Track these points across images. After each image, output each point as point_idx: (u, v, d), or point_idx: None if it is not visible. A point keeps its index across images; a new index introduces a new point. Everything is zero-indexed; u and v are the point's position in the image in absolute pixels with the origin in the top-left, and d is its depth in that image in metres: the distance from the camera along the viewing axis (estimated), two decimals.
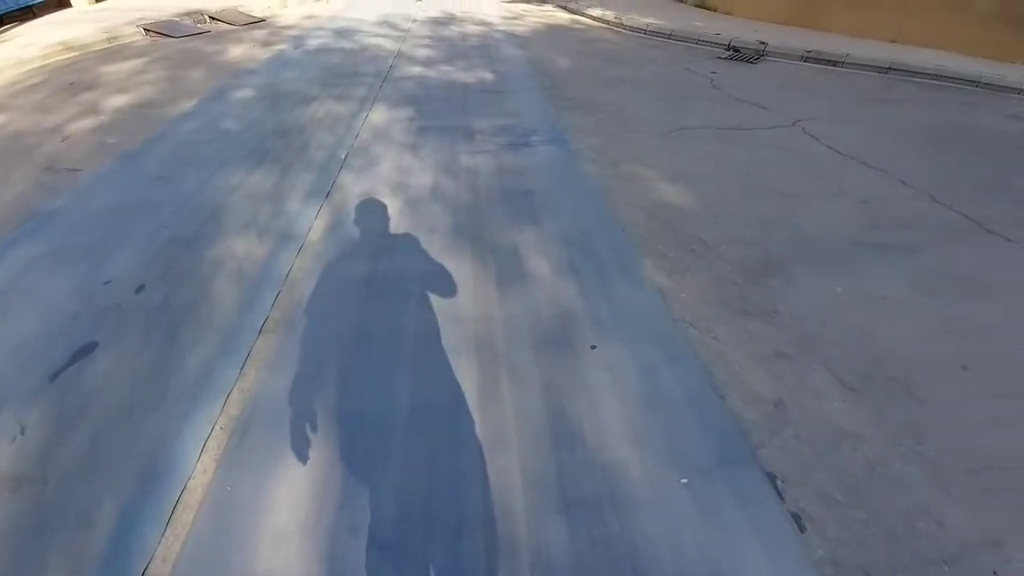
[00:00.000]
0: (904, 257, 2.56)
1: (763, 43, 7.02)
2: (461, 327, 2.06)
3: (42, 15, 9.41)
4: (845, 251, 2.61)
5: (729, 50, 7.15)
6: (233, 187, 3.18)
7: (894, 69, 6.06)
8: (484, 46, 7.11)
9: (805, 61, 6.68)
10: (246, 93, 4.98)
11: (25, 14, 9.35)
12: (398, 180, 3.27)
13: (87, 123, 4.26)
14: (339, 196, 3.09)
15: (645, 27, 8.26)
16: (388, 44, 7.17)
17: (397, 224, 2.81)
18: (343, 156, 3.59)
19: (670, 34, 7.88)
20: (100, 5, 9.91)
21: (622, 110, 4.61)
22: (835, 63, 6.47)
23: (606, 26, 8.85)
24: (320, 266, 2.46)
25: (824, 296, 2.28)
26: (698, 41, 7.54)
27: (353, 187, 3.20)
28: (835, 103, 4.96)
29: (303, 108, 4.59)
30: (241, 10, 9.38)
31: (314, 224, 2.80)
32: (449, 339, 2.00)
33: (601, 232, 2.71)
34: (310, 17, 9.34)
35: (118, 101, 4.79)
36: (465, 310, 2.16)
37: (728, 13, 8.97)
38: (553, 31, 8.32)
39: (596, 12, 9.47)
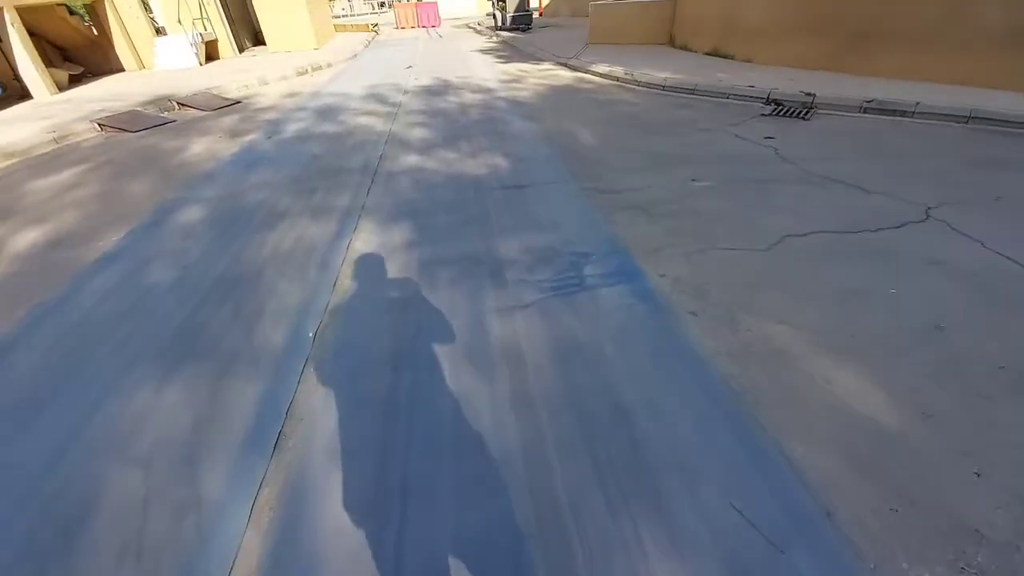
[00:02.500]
0: None
1: (809, 94, 6.06)
2: None
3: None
4: None
5: (770, 104, 6.20)
6: (127, 432, 1.93)
7: (976, 118, 5.03)
8: (489, 119, 6.13)
9: (865, 112, 5.69)
10: (194, 214, 3.86)
11: None
12: (392, 395, 2.01)
13: None
14: (297, 448, 1.79)
15: (663, 83, 7.39)
16: (378, 124, 6.19)
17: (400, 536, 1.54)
18: (311, 335, 2.37)
19: (693, 89, 6.98)
20: (62, 96, 9.12)
21: (688, 205, 3.47)
22: (903, 113, 5.47)
23: (617, 83, 8.00)
24: None
25: None
26: (729, 96, 6.61)
27: (322, 420, 1.89)
28: (944, 172, 3.85)
29: (264, 235, 3.43)
30: (215, 93, 8.56)
31: (242, 544, 1.50)
32: None
33: (798, 533, 1.44)
34: (291, 95, 8.50)
35: (26, 239, 3.64)
36: None
37: (748, 60, 8.16)
38: (561, 94, 7.43)
39: (602, 68, 8.68)
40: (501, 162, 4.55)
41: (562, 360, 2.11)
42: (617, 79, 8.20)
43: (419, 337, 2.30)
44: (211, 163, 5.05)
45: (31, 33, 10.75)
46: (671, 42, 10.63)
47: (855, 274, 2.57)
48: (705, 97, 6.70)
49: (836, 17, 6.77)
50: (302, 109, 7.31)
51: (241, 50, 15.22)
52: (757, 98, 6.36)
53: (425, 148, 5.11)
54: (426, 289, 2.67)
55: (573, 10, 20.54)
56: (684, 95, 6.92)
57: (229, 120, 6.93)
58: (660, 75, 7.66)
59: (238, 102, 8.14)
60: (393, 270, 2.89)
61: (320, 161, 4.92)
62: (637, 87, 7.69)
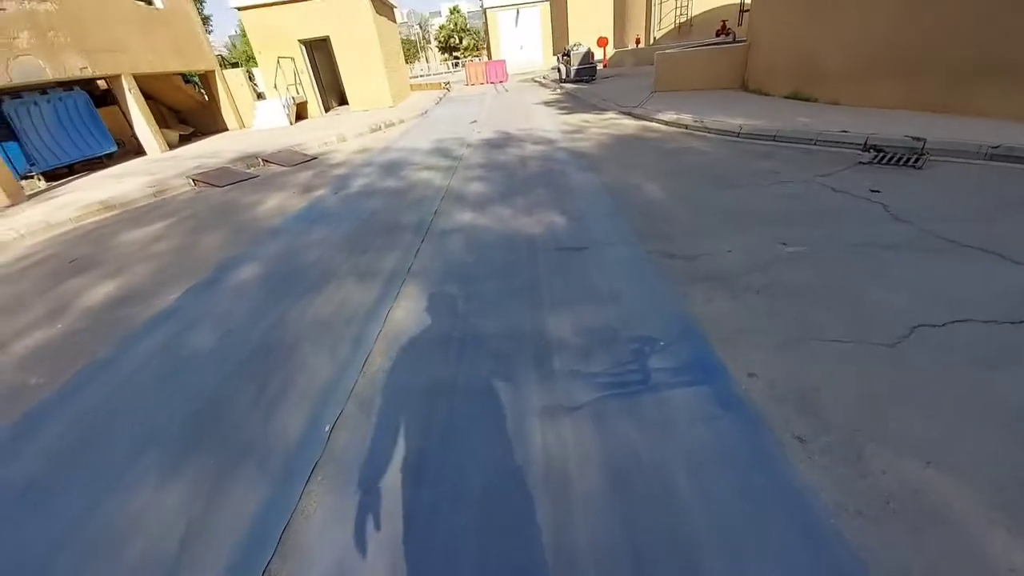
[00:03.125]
0: None
1: (917, 138, 5.26)
2: None
3: (115, 164, 9.84)
4: None
5: (869, 151, 5.45)
6: (120, 535, 1.72)
7: None
8: (548, 172, 5.94)
9: (991, 160, 4.79)
10: (250, 272, 3.89)
11: (95, 163, 9.81)
12: (404, 524, 1.66)
13: (34, 338, 3.23)
14: None
15: (738, 129, 6.86)
16: (437, 179, 6.22)
17: None
18: (327, 429, 2.09)
19: (774, 136, 6.38)
20: (170, 153, 10.31)
21: (779, 277, 2.91)
22: None
23: (686, 132, 7.58)
24: None
25: None
26: (817, 142, 5.94)
27: (317, 555, 1.56)
28: None
29: (310, 298, 3.33)
30: (297, 149, 9.25)
31: None
32: None
33: None
34: (363, 151, 8.98)
35: (100, 292, 3.84)
36: None
37: (834, 103, 7.43)
38: (624, 144, 7.14)
39: (669, 116, 8.33)
40: (558, 219, 4.25)
41: (618, 489, 1.64)
42: (686, 127, 7.79)
43: (445, 443, 1.94)
44: (279, 219, 5.24)
45: (150, 97, 12.52)
46: (744, 86, 10.12)
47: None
48: (789, 145, 6.08)
49: (936, 53, 5.97)
50: (370, 164, 7.62)
51: (327, 109, 16.76)
52: (852, 144, 5.65)
53: (480, 204, 4.96)
54: (462, 376, 2.33)
55: (637, 60, 20.68)
56: (763, 143, 6.34)
57: (304, 176, 7.35)
58: (734, 121, 7.15)
59: (315, 158, 8.71)
60: (428, 349, 2.60)
61: (377, 217, 4.91)
62: (708, 135, 7.22)
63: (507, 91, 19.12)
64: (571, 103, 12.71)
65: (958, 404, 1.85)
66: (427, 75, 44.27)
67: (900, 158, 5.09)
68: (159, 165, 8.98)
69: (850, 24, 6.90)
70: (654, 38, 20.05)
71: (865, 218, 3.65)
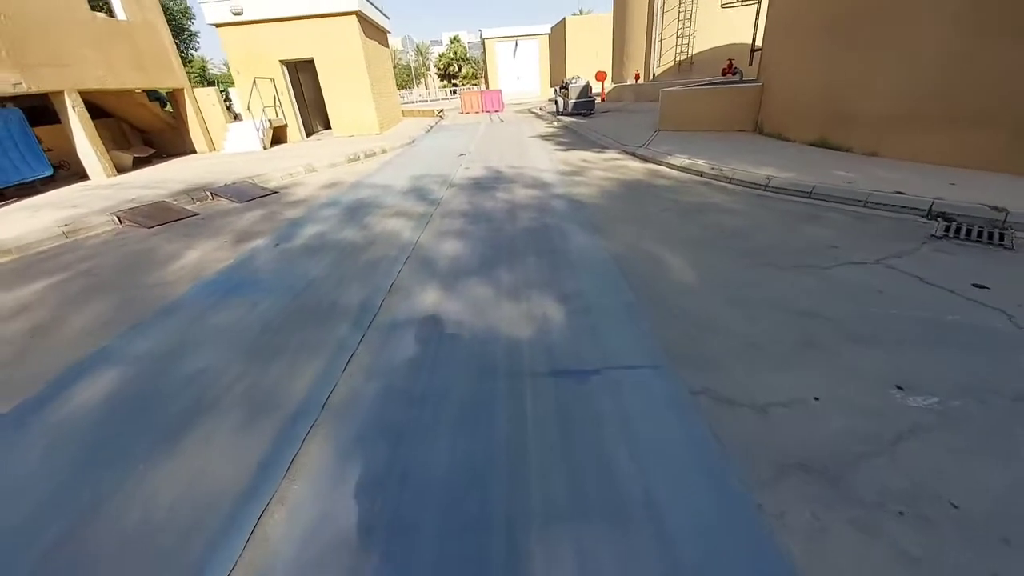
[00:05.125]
0: None
1: (997, 208, 4.25)
2: None
3: (50, 189, 8.61)
4: None
5: (936, 219, 4.42)
6: None
7: None
8: (542, 228, 4.82)
9: None
10: (99, 388, 2.63)
11: (27, 188, 8.56)
12: None
13: None
14: None
15: (765, 182, 5.85)
16: (406, 230, 5.06)
17: None
18: None
19: (811, 192, 5.36)
20: (115, 179, 9.12)
21: (923, 473, 1.74)
22: None
23: (702, 180, 6.57)
24: None
25: None
26: (867, 203, 4.91)
27: None
28: None
29: (155, 461, 2.08)
30: (256, 181, 8.10)
31: None
32: None
33: None
34: (331, 185, 7.85)
35: None
36: None
37: (872, 154, 6.49)
38: (632, 193, 6.08)
39: (681, 160, 7.34)
40: (554, 313, 3.08)
41: None
42: (701, 174, 6.78)
43: None
44: (188, 284, 4.01)
45: (110, 115, 11.40)
46: (758, 129, 9.26)
47: None
48: (833, 205, 5.04)
49: (1001, 103, 5.04)
50: (333, 204, 6.46)
51: (309, 134, 15.76)
52: (913, 209, 4.62)
53: (452, 276, 3.78)
54: None
55: (637, 95, 20.17)
56: (798, 200, 5.30)
57: (251, 217, 6.17)
58: (759, 171, 6.15)
59: (274, 192, 7.55)
60: None
61: (315, 290, 3.70)
62: (729, 185, 6.20)
63: (502, 121, 18.36)
64: (569, 138, 11.82)
65: None
66: (426, 101, 44.03)
67: (980, 232, 4.06)
68: (93, 195, 7.75)
69: (892, 66, 6.01)
70: (654, 74, 19.58)
71: (993, 339, 2.52)
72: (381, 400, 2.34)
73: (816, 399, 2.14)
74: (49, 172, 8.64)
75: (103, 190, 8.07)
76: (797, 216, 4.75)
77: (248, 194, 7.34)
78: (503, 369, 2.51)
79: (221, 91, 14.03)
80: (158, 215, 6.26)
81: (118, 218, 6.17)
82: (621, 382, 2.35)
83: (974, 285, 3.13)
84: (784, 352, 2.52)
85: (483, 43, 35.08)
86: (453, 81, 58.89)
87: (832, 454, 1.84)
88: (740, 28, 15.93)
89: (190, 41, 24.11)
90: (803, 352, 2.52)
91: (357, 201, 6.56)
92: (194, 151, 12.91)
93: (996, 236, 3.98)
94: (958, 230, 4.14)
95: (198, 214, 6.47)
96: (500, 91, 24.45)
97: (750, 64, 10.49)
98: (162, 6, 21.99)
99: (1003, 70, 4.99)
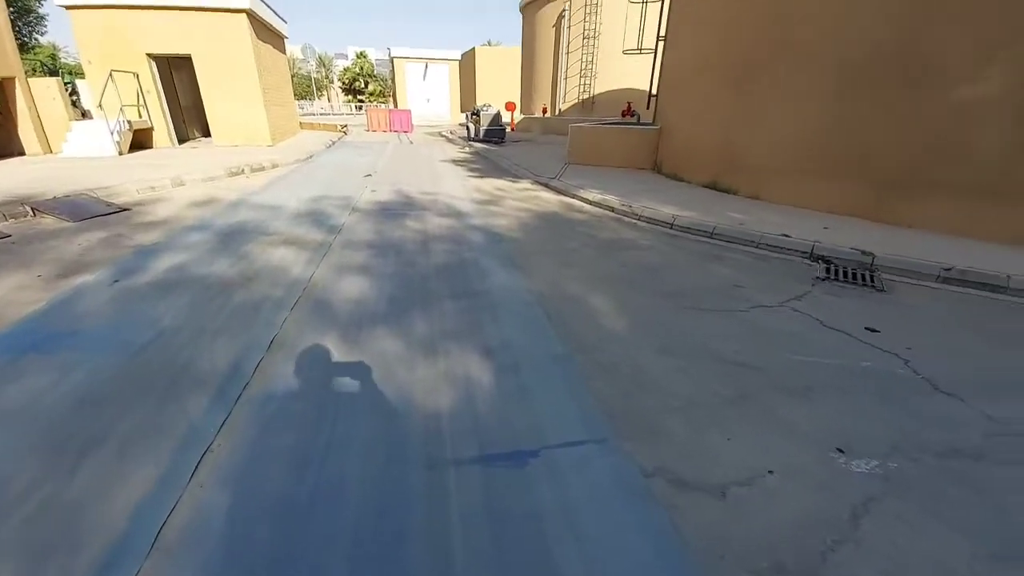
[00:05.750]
0: None
1: (866, 252, 4.79)
2: None
3: None
4: None
5: (816, 261, 4.86)
6: None
7: None
8: (459, 264, 4.39)
9: (946, 283, 4.40)
10: None
11: None
12: None
13: None
14: None
15: (671, 220, 6.09)
16: (297, 265, 4.29)
17: None
18: None
19: (711, 232, 5.67)
20: None
21: (894, 560, 1.60)
22: (995, 288, 4.21)
23: (614, 216, 6.70)
24: None
25: None
26: (758, 244, 5.29)
27: None
28: None
29: None
30: (101, 195, 6.57)
31: None
32: None
33: None
34: (203, 204, 6.64)
35: None
36: None
37: (755, 197, 7.17)
38: (550, 226, 5.96)
39: (593, 195, 7.48)
40: (478, 372, 2.64)
41: None
42: (612, 209, 6.93)
43: None
44: None
45: None
46: (656, 169, 9.92)
47: None
48: (731, 245, 5.35)
49: (866, 160, 5.85)
50: (203, 228, 5.38)
51: (183, 140, 13.69)
52: (796, 251, 5.05)
53: (352, 325, 3.16)
54: None
55: (544, 128, 20.96)
56: (702, 239, 5.56)
57: (86, 240, 4.86)
58: (664, 210, 6.42)
59: (125, 209, 6.15)
60: None
61: (161, 348, 2.83)
62: (639, 222, 6.37)
63: (411, 143, 17.78)
64: (482, 165, 11.66)
65: None
66: (328, 114, 41.59)
67: (855, 274, 4.51)
68: None
69: (779, 120, 6.72)
70: (559, 109, 20.55)
71: (901, 387, 2.64)
72: (246, 521, 1.69)
73: (771, 472, 1.97)
74: None
75: None
76: (703, 255, 4.93)
77: (86, 211, 5.87)
78: (418, 457, 2.00)
79: (67, 83, 11.60)
80: None
81: None
82: (563, 464, 1.98)
83: (867, 329, 3.35)
84: (723, 409, 2.37)
85: (392, 61, 34.35)
86: (359, 97, 56.79)
87: (800, 548, 1.64)
88: (637, 74, 17.41)
89: (36, 24, 19.95)
90: (741, 407, 2.39)
91: (236, 225, 5.54)
92: (22, 152, 10.38)
93: (868, 278, 4.43)
94: (836, 272, 4.56)
95: (8, 236, 4.96)
96: (410, 111, 23.88)
97: (648, 108, 11.33)
98: None
99: (864, 130, 5.78)
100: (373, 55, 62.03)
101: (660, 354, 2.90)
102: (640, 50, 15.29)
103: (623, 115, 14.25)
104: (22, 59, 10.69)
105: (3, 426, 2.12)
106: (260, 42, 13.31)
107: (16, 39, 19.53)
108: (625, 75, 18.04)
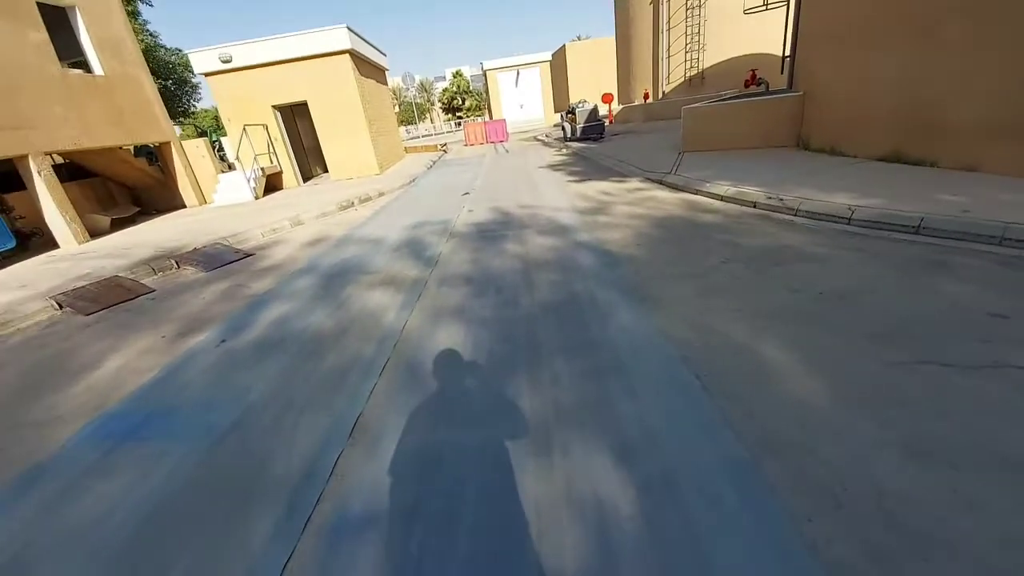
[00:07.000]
0: None
1: None
2: None
3: (14, 261, 7.73)
4: None
5: None
6: None
7: None
8: (570, 303, 3.60)
9: None
10: None
11: None
12: None
13: None
14: None
15: (848, 214, 4.57)
16: (391, 311, 3.89)
17: None
18: None
19: (918, 227, 4.06)
20: (85, 247, 8.23)
21: None
22: None
23: (759, 213, 5.32)
24: None
25: None
26: (1002, 241, 3.58)
27: None
28: None
29: None
30: (231, 242, 7.12)
31: None
32: None
33: None
34: (314, 242, 6.81)
35: None
36: None
37: (970, 169, 5.17)
38: (677, 236, 4.85)
39: (725, 188, 6.13)
40: (614, 494, 1.81)
41: None
42: (755, 205, 5.54)
43: None
44: (81, 422, 2.87)
45: (94, 174, 10.73)
46: (802, 145, 8.03)
47: None
48: (954, 244, 3.73)
49: None
50: (310, 271, 5.37)
51: (307, 178, 15.06)
52: None
53: (443, 401, 2.56)
54: None
55: (647, 115, 19.23)
56: (903, 238, 4.00)
57: (212, 292, 5.10)
58: (834, 199, 4.89)
59: (250, 255, 6.53)
60: None
61: (241, 435, 2.50)
62: (796, 219, 4.94)
63: (508, 152, 17.51)
64: (582, 166, 10.74)
65: None
66: (431, 135, 44.09)
67: None
68: (50, 269, 6.84)
69: (995, 65, 4.76)
70: (663, 92, 18.66)
71: None
72: None
73: None
74: (11, 245, 7.82)
75: (63, 262, 7.17)
76: (916, 264, 3.45)
77: (218, 259, 6.33)
78: None
79: (213, 141, 13.44)
80: (104, 296, 5.24)
81: (58, 303, 5.16)
82: None
83: None
84: None
85: (485, 75, 34.98)
86: (457, 114, 59.40)
87: None
88: (758, 37, 14.95)
89: (192, 93, 24.10)
90: None
91: (339, 264, 5.45)
92: (183, 206, 12.19)
93: None
94: None
95: (152, 291, 5.44)
96: (504, 120, 23.82)
97: (782, 72, 9.37)
98: (163, 60, 22.07)
99: None
100: (468, 72, 64.54)
101: (910, 459, 1.77)
102: (767, 4, 12.96)
103: (746, 85, 12.19)
104: (187, 124, 12.53)
105: (73, 551, 1.87)
106: (363, 78, 14.07)
107: (180, 107, 23.72)
108: (738, 41, 15.67)
